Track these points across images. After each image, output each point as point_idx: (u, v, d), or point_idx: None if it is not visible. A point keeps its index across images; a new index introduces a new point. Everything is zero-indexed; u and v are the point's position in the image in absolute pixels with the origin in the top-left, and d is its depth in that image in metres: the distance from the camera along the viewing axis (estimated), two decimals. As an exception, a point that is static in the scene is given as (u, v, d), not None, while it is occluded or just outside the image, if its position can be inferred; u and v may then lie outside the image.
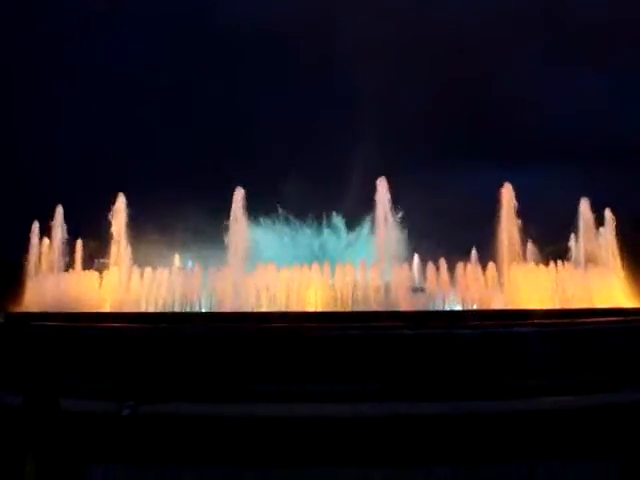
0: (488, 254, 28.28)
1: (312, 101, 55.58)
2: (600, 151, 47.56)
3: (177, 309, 24.37)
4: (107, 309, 24.21)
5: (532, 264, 26.91)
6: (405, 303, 24.31)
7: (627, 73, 51.34)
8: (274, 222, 35.18)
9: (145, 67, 56.13)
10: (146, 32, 54.92)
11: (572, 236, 29.39)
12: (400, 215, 29.20)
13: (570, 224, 29.30)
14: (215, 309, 24.03)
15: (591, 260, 28.48)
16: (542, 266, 26.32)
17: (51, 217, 28.78)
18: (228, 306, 23.65)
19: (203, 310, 24.68)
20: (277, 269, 25.40)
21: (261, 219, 33.81)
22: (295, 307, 23.95)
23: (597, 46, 50.95)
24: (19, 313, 22.69)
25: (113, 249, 28.01)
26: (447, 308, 25.59)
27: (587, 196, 29.60)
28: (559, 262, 26.52)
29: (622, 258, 28.31)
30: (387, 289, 25.72)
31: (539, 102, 54.13)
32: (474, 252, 30.08)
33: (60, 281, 26.17)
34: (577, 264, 28.22)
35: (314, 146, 47.10)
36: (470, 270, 27.03)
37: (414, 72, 48.37)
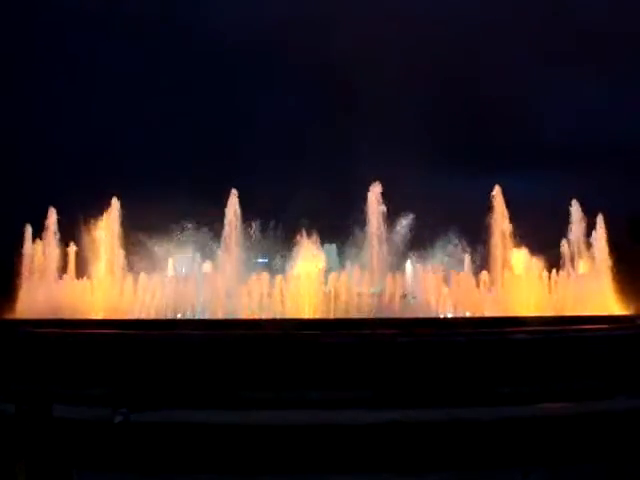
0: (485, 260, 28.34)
1: (310, 105, 55.36)
2: (599, 154, 47.72)
3: (170, 316, 24.31)
4: (100, 316, 24.11)
5: (523, 272, 26.97)
6: (398, 311, 24.43)
7: (627, 75, 51.59)
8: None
9: (144, 69, 55.76)
10: (146, 33, 54.61)
11: (564, 241, 29.39)
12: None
13: (564, 229, 29.36)
14: (208, 316, 24.00)
15: (582, 262, 28.55)
16: (533, 274, 26.41)
17: (44, 217, 28.59)
18: (221, 314, 23.67)
19: (197, 317, 24.63)
20: (270, 278, 25.43)
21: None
22: (289, 314, 24.00)
23: (598, 49, 51.25)
24: (10, 320, 22.58)
25: (105, 256, 27.84)
26: (440, 315, 25.61)
27: (583, 200, 29.69)
28: (553, 271, 26.66)
29: (614, 262, 28.31)
30: (380, 297, 25.81)
31: (538, 106, 54.32)
32: (467, 259, 30.03)
33: (53, 289, 25.97)
34: (568, 271, 28.25)
35: (312, 151, 47.06)
36: (463, 278, 27.08)
37: (412, 77, 48.50)
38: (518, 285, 25.91)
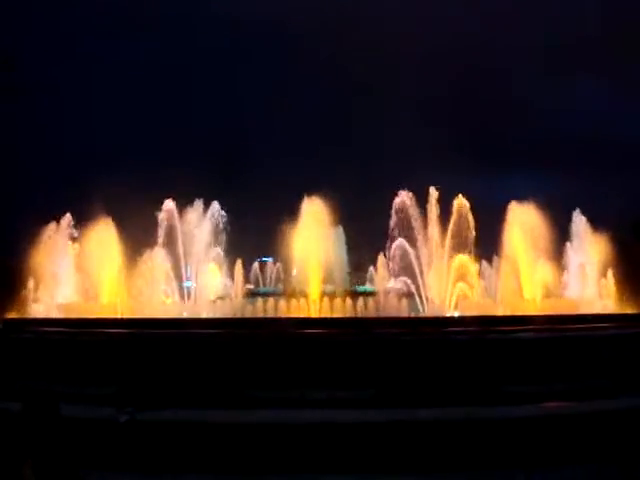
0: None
1: (322, 99, 55.02)
2: (602, 155, 47.56)
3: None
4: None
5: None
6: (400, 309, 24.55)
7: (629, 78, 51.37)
8: None
9: (147, 67, 55.43)
10: (148, 30, 54.42)
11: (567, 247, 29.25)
12: None
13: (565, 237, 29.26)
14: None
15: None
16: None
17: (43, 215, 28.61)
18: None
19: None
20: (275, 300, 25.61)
21: None
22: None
23: (600, 51, 51.22)
24: (17, 319, 22.70)
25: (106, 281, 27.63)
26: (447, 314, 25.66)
27: (587, 202, 29.65)
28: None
29: (618, 262, 28.19)
30: (385, 296, 25.89)
31: (541, 109, 54.18)
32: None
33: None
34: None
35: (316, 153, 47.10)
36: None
37: (418, 80, 48.57)
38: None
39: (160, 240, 28.86)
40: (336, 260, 29.49)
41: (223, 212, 30.40)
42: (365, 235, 32.09)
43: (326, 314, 24.42)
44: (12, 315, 23.77)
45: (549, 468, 8.16)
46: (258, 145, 49.96)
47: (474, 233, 28.56)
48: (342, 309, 25.14)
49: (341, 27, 51.31)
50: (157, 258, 27.67)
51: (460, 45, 51.69)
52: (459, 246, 28.17)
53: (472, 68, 52.30)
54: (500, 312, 25.30)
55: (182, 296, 28.81)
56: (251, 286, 31.93)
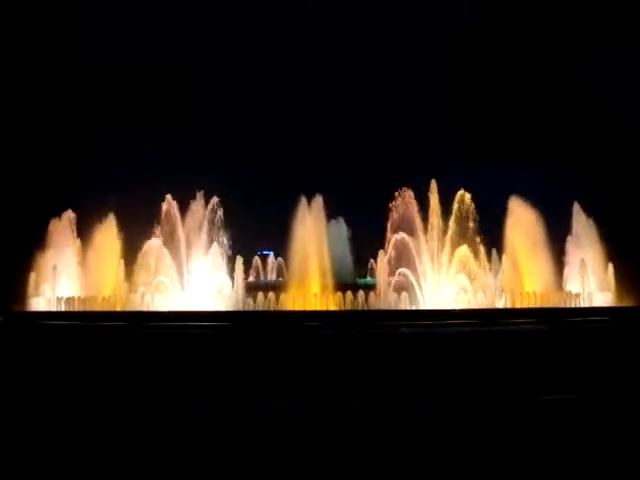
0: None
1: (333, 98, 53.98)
2: (603, 148, 47.09)
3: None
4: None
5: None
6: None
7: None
8: None
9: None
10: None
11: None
12: None
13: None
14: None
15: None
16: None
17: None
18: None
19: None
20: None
21: None
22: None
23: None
24: (20, 312, 22.82)
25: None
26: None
27: (587, 196, 29.62)
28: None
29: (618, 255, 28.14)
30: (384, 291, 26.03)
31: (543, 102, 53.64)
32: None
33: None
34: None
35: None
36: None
37: (418, 76, 48.26)
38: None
39: (161, 234, 28.97)
40: (339, 253, 29.51)
41: (221, 206, 30.45)
42: (366, 229, 31.97)
43: (330, 307, 24.51)
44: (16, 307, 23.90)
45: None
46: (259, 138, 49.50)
47: (475, 227, 28.58)
48: (342, 302, 25.19)
49: (346, 24, 50.93)
50: (157, 251, 27.87)
51: (460, 40, 51.32)
52: (459, 239, 28.17)
53: (472, 62, 51.95)
54: (501, 305, 25.42)
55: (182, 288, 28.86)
56: (252, 278, 31.91)
